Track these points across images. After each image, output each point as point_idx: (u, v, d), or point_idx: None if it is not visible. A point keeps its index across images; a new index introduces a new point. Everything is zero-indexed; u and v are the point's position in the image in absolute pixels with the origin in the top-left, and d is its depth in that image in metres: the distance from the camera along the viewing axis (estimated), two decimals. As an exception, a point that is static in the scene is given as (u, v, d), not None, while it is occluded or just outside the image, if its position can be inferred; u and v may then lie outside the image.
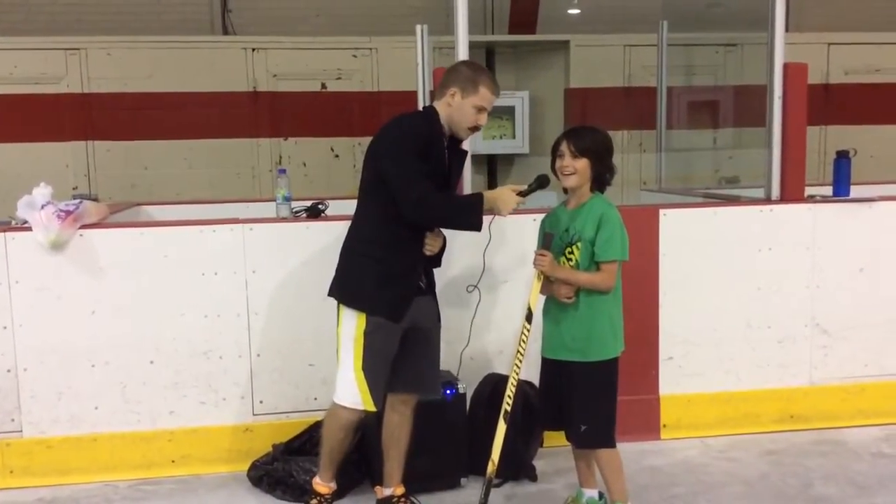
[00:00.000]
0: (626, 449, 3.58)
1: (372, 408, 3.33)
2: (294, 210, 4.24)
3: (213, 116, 7.63)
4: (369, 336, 3.27)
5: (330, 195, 4.57)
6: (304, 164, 7.81)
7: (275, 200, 4.27)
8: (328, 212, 4.20)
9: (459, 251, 3.90)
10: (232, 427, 4.09)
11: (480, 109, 3.29)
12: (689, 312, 4.36)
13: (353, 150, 7.82)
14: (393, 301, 3.28)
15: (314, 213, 4.19)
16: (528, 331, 3.34)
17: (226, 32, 8.93)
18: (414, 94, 4.54)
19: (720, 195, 5.12)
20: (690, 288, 4.35)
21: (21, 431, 3.97)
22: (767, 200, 4.50)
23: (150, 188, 7.26)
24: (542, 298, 3.38)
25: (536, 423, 3.83)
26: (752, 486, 3.84)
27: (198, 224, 4.08)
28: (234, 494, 3.85)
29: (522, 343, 3.33)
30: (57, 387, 3.96)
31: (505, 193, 3.28)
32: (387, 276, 3.28)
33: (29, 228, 3.87)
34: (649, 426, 4.34)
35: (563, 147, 3.25)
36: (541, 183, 3.31)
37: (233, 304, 4.04)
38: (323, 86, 7.84)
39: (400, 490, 3.55)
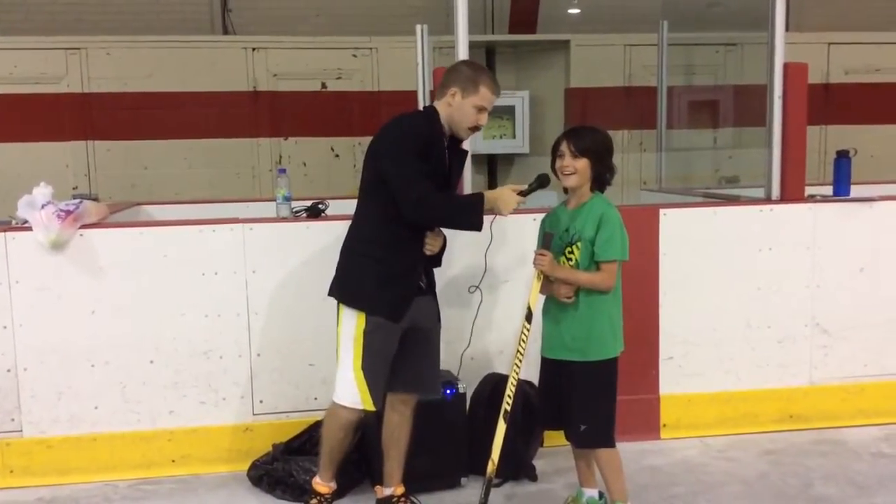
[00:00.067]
0: (626, 448, 3.58)
1: (371, 407, 3.33)
2: (294, 210, 4.24)
3: (213, 116, 7.63)
4: (369, 336, 3.27)
5: (330, 195, 4.57)
6: (304, 164, 7.81)
7: (275, 200, 4.27)
8: (328, 212, 4.20)
9: (460, 251, 3.90)
10: (232, 427, 4.09)
11: (481, 109, 3.29)
12: (689, 312, 4.36)
13: (353, 150, 7.83)
14: (393, 301, 3.28)
15: (314, 212, 4.19)
16: (528, 330, 3.34)
17: (226, 32, 8.94)
18: (414, 93, 4.53)
19: (720, 195, 5.12)
20: (690, 288, 4.35)
21: (21, 431, 3.97)
22: (767, 200, 4.50)
23: (150, 188, 7.26)
24: (542, 298, 3.38)
25: (536, 423, 3.83)
26: (751, 486, 3.84)
27: (198, 224, 4.08)
28: (234, 494, 3.85)
29: (522, 343, 3.33)
30: (57, 386, 3.96)
31: (505, 193, 3.27)
32: (387, 276, 3.28)
33: (29, 228, 3.87)
34: (649, 426, 4.34)
35: (564, 147, 3.25)
36: (541, 182, 3.31)
37: (233, 304, 4.04)
38: (323, 85, 7.84)
39: (400, 490, 3.55)
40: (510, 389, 3.34)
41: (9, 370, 3.94)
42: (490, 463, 3.36)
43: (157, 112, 7.50)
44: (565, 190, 3.35)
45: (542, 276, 3.29)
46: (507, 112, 7.84)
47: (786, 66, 4.42)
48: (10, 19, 8.33)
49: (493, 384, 3.89)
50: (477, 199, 3.24)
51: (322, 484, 3.52)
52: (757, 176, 4.73)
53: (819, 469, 3.99)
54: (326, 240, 3.91)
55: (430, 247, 3.36)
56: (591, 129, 3.31)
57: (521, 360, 3.33)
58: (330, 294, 3.40)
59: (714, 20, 7.26)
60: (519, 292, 4.03)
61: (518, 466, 3.86)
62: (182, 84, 7.52)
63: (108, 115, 7.47)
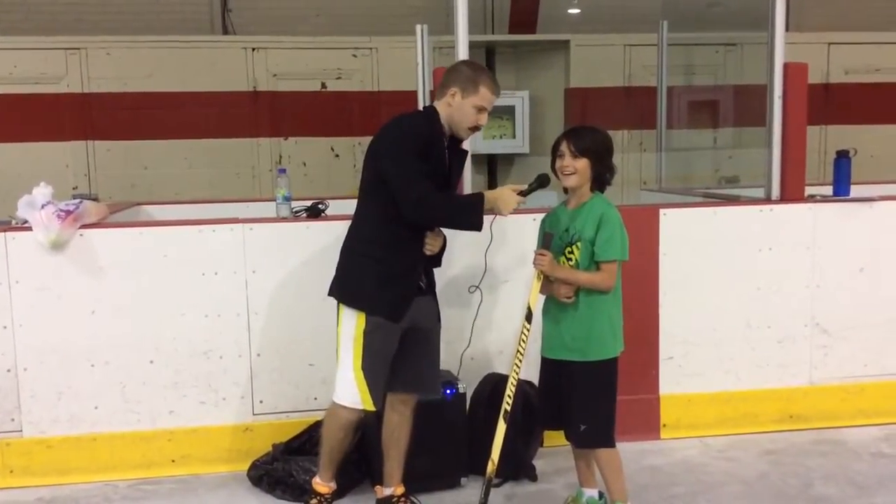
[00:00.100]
0: (626, 448, 3.58)
1: (371, 407, 3.33)
2: (294, 210, 4.24)
3: (213, 116, 7.62)
4: (369, 336, 3.27)
5: (330, 195, 4.57)
6: (304, 164, 7.81)
7: (275, 200, 4.27)
8: (328, 212, 4.20)
9: (460, 251, 3.90)
10: (232, 427, 4.09)
11: (481, 109, 3.28)
12: (689, 312, 4.36)
13: (353, 150, 7.83)
14: (393, 301, 3.28)
15: (314, 212, 4.19)
16: (528, 330, 3.34)
17: (226, 32, 8.94)
18: (414, 93, 4.53)
19: (720, 195, 5.12)
20: (690, 288, 4.35)
21: (21, 431, 3.97)
22: (767, 200, 4.50)
23: (149, 188, 7.26)
24: (542, 298, 3.38)
25: (536, 423, 3.83)
26: (751, 486, 3.84)
27: (198, 224, 4.08)
28: (234, 494, 3.85)
29: (522, 343, 3.33)
30: (57, 386, 3.96)
31: (505, 193, 3.27)
32: (387, 276, 3.28)
33: (29, 228, 3.87)
34: (649, 426, 4.34)
35: (564, 147, 3.25)
36: (541, 182, 3.31)
37: (233, 304, 4.04)
38: (323, 85, 7.84)
39: (400, 490, 3.55)
40: (510, 389, 3.34)
41: (9, 370, 3.94)
42: (490, 463, 3.36)
43: (157, 112, 7.50)
44: (565, 190, 3.35)
45: (541, 276, 3.28)
46: (507, 112, 7.84)
47: (786, 66, 4.42)
48: (10, 19, 8.33)
49: (493, 384, 3.89)
50: (477, 199, 3.24)
51: (322, 484, 3.52)
52: (757, 176, 4.73)
53: (819, 469, 3.99)
54: (326, 240, 3.91)
55: (430, 247, 3.35)
56: (590, 129, 3.31)
57: (521, 360, 3.33)
58: (330, 294, 3.40)
59: (714, 20, 7.26)
60: (519, 292, 4.03)
61: (518, 466, 3.86)
62: (182, 84, 7.52)
63: (108, 115, 7.47)
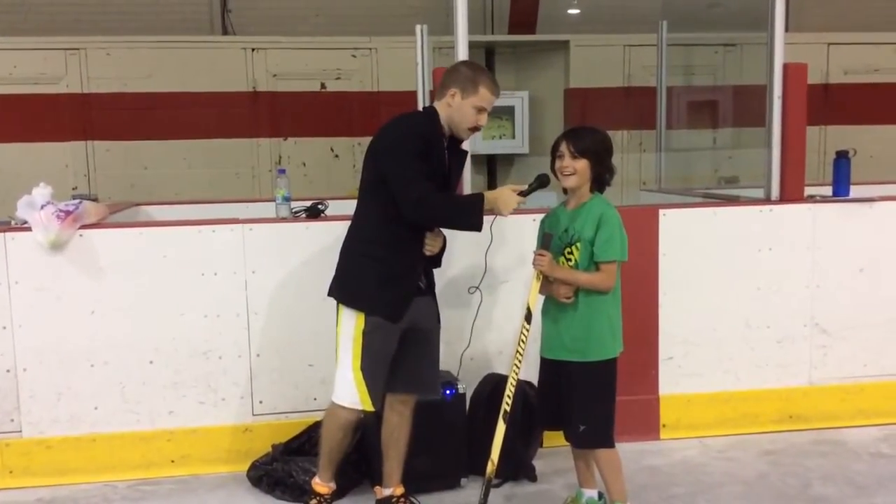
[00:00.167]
0: (626, 449, 3.59)
1: (370, 407, 3.33)
2: (294, 210, 4.24)
3: (212, 116, 7.62)
4: (368, 336, 3.27)
5: (329, 195, 4.57)
6: (304, 164, 7.81)
7: (274, 200, 4.27)
8: (328, 212, 4.20)
9: (460, 252, 3.90)
10: (231, 427, 4.09)
11: (480, 110, 3.28)
12: (689, 312, 4.36)
13: (352, 150, 7.83)
14: (392, 301, 3.28)
15: (314, 213, 4.19)
16: (528, 331, 3.34)
17: (225, 32, 8.93)
18: (413, 94, 4.53)
19: (720, 195, 5.12)
20: (690, 288, 4.35)
21: (20, 431, 3.97)
22: (767, 200, 4.50)
23: (149, 188, 7.25)
24: (542, 298, 3.38)
25: (536, 424, 3.83)
26: (751, 486, 3.84)
27: (197, 224, 4.08)
28: (234, 494, 3.85)
29: (522, 343, 3.33)
30: (56, 387, 3.96)
31: (505, 193, 3.27)
32: (387, 277, 3.28)
33: (28, 228, 3.87)
34: (649, 426, 4.34)
35: (563, 147, 3.25)
36: (541, 182, 3.31)
37: (232, 305, 4.04)
38: (322, 86, 7.84)
39: (399, 490, 3.55)
40: (510, 390, 3.34)
41: (8, 370, 3.94)
42: (490, 463, 3.36)
43: (156, 112, 7.50)
44: (565, 190, 3.35)
45: (541, 277, 3.29)
46: (507, 112, 7.84)
47: (785, 67, 4.42)
48: (10, 20, 8.31)
49: (493, 384, 3.89)
50: (477, 199, 3.24)
51: (321, 484, 3.52)
52: (756, 176, 4.73)
53: (818, 469, 4.00)
54: (326, 240, 3.91)
55: (430, 247, 3.35)
56: (590, 129, 3.31)
57: (520, 361, 3.33)
58: (329, 294, 3.40)
59: (713, 20, 7.26)
60: (518, 293, 4.03)
61: (517, 467, 3.86)
62: (182, 84, 7.51)
63: (107, 115, 7.46)
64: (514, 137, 7.95)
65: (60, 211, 3.84)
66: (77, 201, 4.00)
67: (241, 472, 3.94)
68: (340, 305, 3.35)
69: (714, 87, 7.86)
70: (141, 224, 4.48)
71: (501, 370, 4.11)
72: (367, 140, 3.39)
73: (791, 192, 4.48)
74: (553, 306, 3.33)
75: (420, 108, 4.26)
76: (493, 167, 8.31)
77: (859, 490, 3.78)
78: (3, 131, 7.30)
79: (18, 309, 3.91)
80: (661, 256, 4.32)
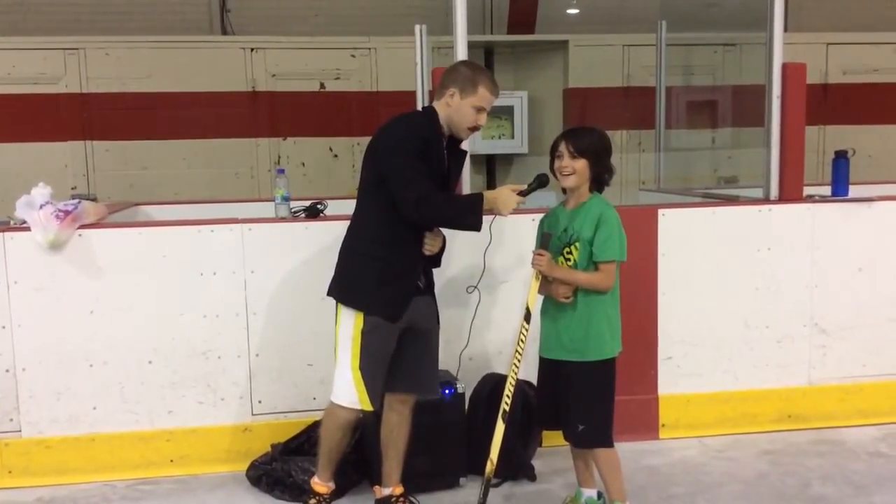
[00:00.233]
0: (625, 448, 3.59)
1: (369, 407, 3.33)
2: (293, 210, 4.24)
3: (211, 116, 7.62)
4: (367, 336, 3.27)
5: (329, 195, 4.58)
6: (303, 164, 7.81)
7: (273, 200, 4.27)
8: (327, 212, 4.20)
9: (459, 251, 3.90)
10: (231, 427, 4.09)
11: (479, 110, 3.28)
12: (688, 312, 4.36)
13: (351, 150, 7.83)
14: (391, 301, 3.28)
15: (313, 213, 4.20)
16: (527, 330, 3.34)
17: (224, 32, 8.92)
18: (413, 94, 4.54)
19: (719, 195, 5.13)
20: (689, 288, 4.35)
21: (20, 431, 3.97)
22: (766, 200, 4.51)
23: (148, 188, 7.25)
24: (541, 298, 3.39)
25: (535, 423, 3.83)
26: (750, 486, 3.84)
27: (196, 224, 4.08)
28: (233, 494, 3.85)
29: (521, 343, 3.33)
30: (55, 387, 3.96)
31: (505, 193, 3.27)
32: (386, 276, 3.28)
33: (27, 228, 3.87)
34: (648, 426, 4.34)
35: (562, 147, 3.25)
36: (540, 182, 3.31)
37: (231, 304, 4.04)
38: (322, 86, 7.84)
39: (398, 490, 3.55)
40: (509, 389, 3.34)
41: (7, 370, 3.93)
42: (489, 463, 3.36)
43: (155, 112, 7.50)
44: (564, 190, 3.35)
45: (540, 277, 3.29)
46: (506, 112, 7.84)
47: (784, 67, 4.43)
48: (9, 19, 8.31)
49: (492, 384, 3.89)
50: (476, 199, 3.24)
51: (321, 484, 3.52)
52: (755, 176, 4.73)
53: (817, 469, 4.00)
54: (325, 240, 3.91)
55: (430, 247, 3.35)
56: (589, 129, 3.31)
57: (519, 360, 3.33)
58: (329, 294, 3.40)
59: (712, 20, 7.26)
60: (517, 292, 4.03)
61: (517, 466, 3.86)
62: (181, 84, 7.51)
63: (106, 115, 7.46)
64: (513, 137, 7.95)
65: (59, 211, 3.84)
66: (76, 201, 4.00)
67: (241, 471, 3.94)
68: (339, 305, 3.35)
69: (713, 86, 7.86)
70: (140, 224, 4.48)
71: (500, 370, 4.11)
72: (366, 140, 3.39)
73: (790, 192, 4.48)
74: (552, 306, 3.33)
75: (419, 107, 4.26)
76: (492, 167, 8.31)
77: (858, 490, 3.78)
78: (3, 131, 7.29)
79: (17, 309, 3.91)
80: (660, 256, 4.32)
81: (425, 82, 4.44)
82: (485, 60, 8.10)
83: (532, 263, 3.29)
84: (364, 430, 3.65)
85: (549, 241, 3.28)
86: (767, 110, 4.47)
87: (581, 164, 3.22)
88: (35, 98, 7.36)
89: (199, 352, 4.04)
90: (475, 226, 3.19)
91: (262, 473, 3.84)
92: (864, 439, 4.33)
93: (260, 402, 4.11)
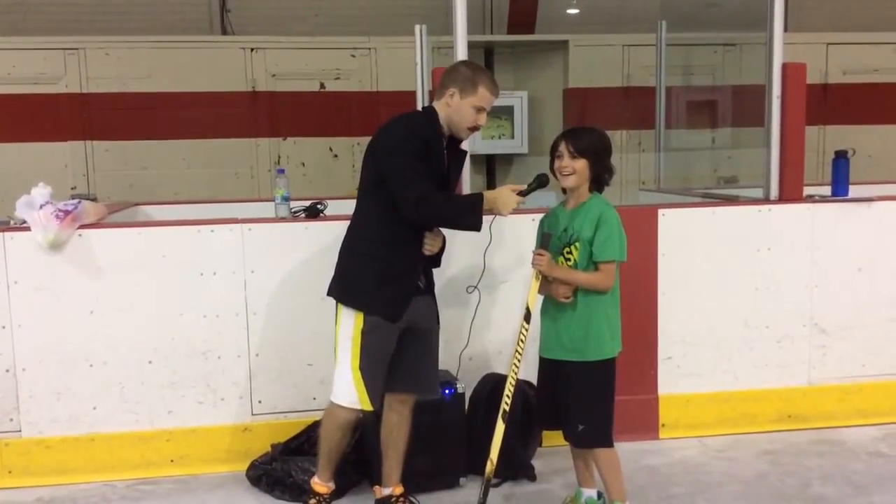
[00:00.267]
0: (625, 448, 3.59)
1: (369, 407, 3.33)
2: (293, 210, 4.24)
3: (211, 116, 7.62)
4: (367, 335, 3.27)
5: (329, 195, 4.58)
6: (303, 164, 7.81)
7: (273, 200, 4.27)
8: (327, 212, 4.20)
9: (459, 251, 3.90)
10: (230, 427, 4.09)
11: (479, 110, 3.29)
12: (688, 312, 4.36)
13: (351, 150, 7.83)
14: (391, 301, 3.28)
15: (313, 213, 4.20)
16: (527, 330, 3.34)
17: (224, 32, 8.92)
18: (413, 94, 4.54)
19: (719, 195, 5.12)
20: (689, 288, 4.35)
21: (20, 431, 3.97)
22: (766, 200, 4.51)
23: (148, 188, 7.25)
24: (541, 298, 3.39)
25: (535, 423, 3.83)
26: (750, 486, 3.84)
27: (196, 224, 4.08)
28: (233, 494, 3.85)
29: (521, 343, 3.33)
30: (55, 387, 3.96)
31: (505, 193, 3.27)
32: (386, 276, 3.28)
33: (27, 228, 3.87)
34: (648, 426, 4.34)
35: (562, 147, 3.25)
36: (540, 182, 3.31)
37: (231, 304, 4.04)
38: (322, 86, 7.84)
39: (398, 490, 3.55)
40: (509, 389, 3.34)
41: (7, 370, 3.93)
42: (489, 463, 3.36)
43: (155, 112, 7.50)
44: (564, 190, 3.36)
45: (540, 276, 3.29)
46: (506, 112, 7.84)
47: (784, 67, 4.43)
48: (9, 19, 8.31)
49: (492, 384, 3.89)
50: (476, 199, 3.24)
51: (320, 484, 3.52)
52: (755, 176, 4.73)
53: (817, 469, 4.00)
54: (325, 240, 3.91)
55: (430, 247, 3.35)
56: (589, 129, 3.31)
57: (519, 360, 3.33)
58: (329, 294, 3.40)
59: (712, 20, 7.26)
60: (517, 292, 4.03)
61: (517, 466, 3.86)
62: (181, 84, 7.51)
63: (106, 115, 7.46)
64: (513, 137, 7.95)
65: (59, 211, 3.84)
66: (76, 201, 4.00)
67: (241, 471, 3.94)
68: (339, 305, 3.35)
69: (713, 86, 7.86)
70: (140, 224, 4.48)
71: (500, 370, 4.11)
72: (366, 140, 3.39)
73: (790, 192, 4.48)
74: (552, 306, 3.33)
75: (419, 107, 4.26)
76: (492, 167, 8.31)
77: (858, 489, 3.78)
78: (3, 131, 7.29)
79: (17, 309, 3.91)
80: (660, 256, 4.32)
81: (425, 82, 4.44)
82: (485, 60, 8.10)
83: (532, 263, 3.29)
84: (364, 430, 3.65)
85: (549, 241, 3.28)
86: (767, 110, 4.47)
87: (581, 164, 3.22)
88: (35, 98, 7.36)
89: (198, 352, 4.04)
90: (475, 226, 3.19)
91: (262, 473, 3.84)
92: (863, 439, 4.33)
93: (260, 402, 4.11)
